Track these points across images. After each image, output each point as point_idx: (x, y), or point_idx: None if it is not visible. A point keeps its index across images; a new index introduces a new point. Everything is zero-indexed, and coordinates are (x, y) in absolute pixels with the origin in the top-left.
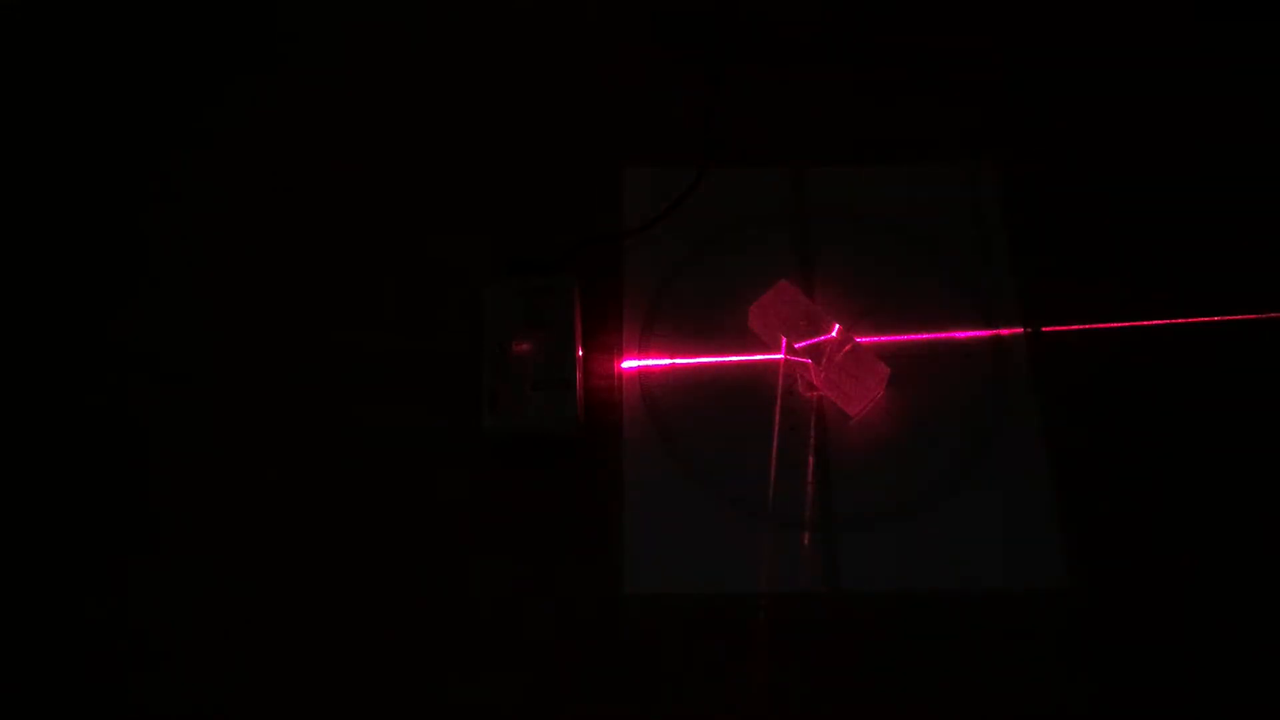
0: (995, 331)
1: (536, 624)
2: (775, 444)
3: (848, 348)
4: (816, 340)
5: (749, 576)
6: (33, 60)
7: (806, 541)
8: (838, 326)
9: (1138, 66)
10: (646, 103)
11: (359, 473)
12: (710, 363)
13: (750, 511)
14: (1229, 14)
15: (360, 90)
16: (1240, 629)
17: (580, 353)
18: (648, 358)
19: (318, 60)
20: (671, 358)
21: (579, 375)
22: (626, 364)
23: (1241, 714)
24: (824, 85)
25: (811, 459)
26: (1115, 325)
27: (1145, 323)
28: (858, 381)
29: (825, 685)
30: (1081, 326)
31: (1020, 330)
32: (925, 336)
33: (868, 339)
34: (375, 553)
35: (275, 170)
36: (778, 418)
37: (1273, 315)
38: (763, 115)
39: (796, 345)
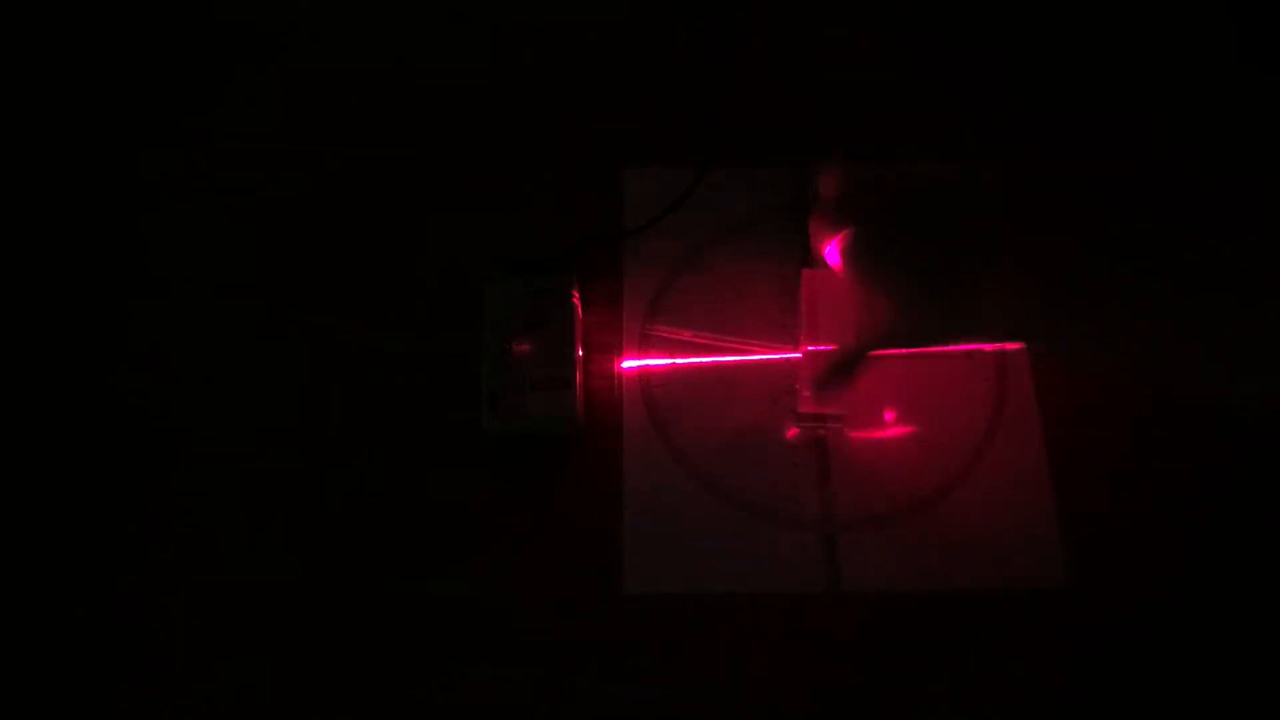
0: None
1: (536, 624)
2: (775, 444)
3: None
4: (824, 348)
5: (749, 576)
6: (23, 60)
7: (806, 541)
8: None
9: (1139, 67)
10: (646, 103)
11: (359, 473)
12: (710, 362)
13: (750, 511)
14: (1228, 15)
15: (359, 89)
16: (1240, 630)
17: (580, 353)
18: (648, 358)
19: (316, 59)
20: (671, 357)
21: (579, 375)
22: (626, 364)
23: (1242, 714)
24: (825, 85)
25: (812, 459)
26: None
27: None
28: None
29: (825, 685)
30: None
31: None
32: (929, 350)
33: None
34: (375, 553)
35: (273, 170)
36: (778, 418)
37: None
38: (763, 115)
39: (808, 345)
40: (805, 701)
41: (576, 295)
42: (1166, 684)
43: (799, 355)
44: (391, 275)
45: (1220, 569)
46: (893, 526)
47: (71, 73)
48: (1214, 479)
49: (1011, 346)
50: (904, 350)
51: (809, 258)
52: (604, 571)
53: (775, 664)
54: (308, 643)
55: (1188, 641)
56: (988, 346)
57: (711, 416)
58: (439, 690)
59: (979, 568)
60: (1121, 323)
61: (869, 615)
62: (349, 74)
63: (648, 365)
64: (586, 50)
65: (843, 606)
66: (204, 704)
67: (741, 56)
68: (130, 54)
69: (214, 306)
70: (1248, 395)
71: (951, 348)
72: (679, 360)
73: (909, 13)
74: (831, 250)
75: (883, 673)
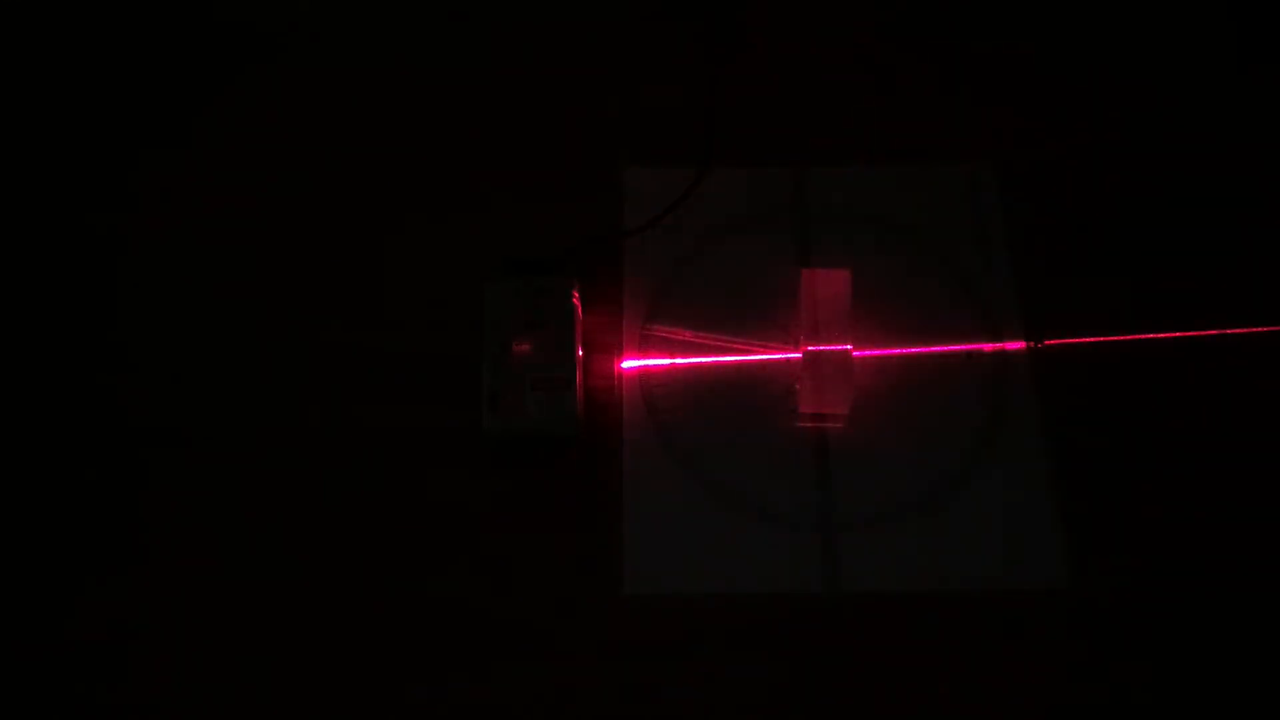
0: (998, 342)
1: (536, 624)
2: (775, 444)
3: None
4: (824, 348)
5: (749, 576)
6: (23, 59)
7: (807, 542)
8: (849, 346)
9: (1139, 67)
10: (646, 102)
11: (359, 473)
12: (710, 362)
13: (750, 511)
14: (1228, 15)
15: (358, 89)
16: (1240, 630)
17: (580, 353)
18: (648, 358)
19: (316, 59)
20: (671, 358)
21: (579, 375)
22: (626, 364)
23: (1241, 713)
24: (824, 85)
25: (812, 459)
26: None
27: (1148, 331)
28: (826, 390)
29: (825, 685)
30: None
31: (1022, 333)
32: (929, 350)
33: (866, 351)
34: (374, 553)
35: (273, 170)
36: (778, 417)
37: (1275, 329)
38: (763, 115)
39: (808, 345)
40: (806, 702)
41: (576, 295)
42: (1166, 684)
43: (799, 355)
44: (392, 275)
45: (1220, 569)
46: (893, 526)
47: (72, 72)
48: (1214, 478)
49: (1012, 346)
50: (899, 350)
51: None
52: (604, 571)
53: (775, 664)
54: (307, 643)
55: (1188, 641)
56: (987, 347)
57: (711, 416)
58: (439, 690)
59: (979, 568)
60: None
61: (869, 615)
62: (349, 74)
63: (648, 365)
64: (586, 50)
65: (843, 606)
66: (204, 704)
67: (741, 56)
68: (131, 54)
69: (214, 306)
70: None
71: (951, 347)
72: (679, 360)
73: (909, 13)
74: None
75: (883, 673)
